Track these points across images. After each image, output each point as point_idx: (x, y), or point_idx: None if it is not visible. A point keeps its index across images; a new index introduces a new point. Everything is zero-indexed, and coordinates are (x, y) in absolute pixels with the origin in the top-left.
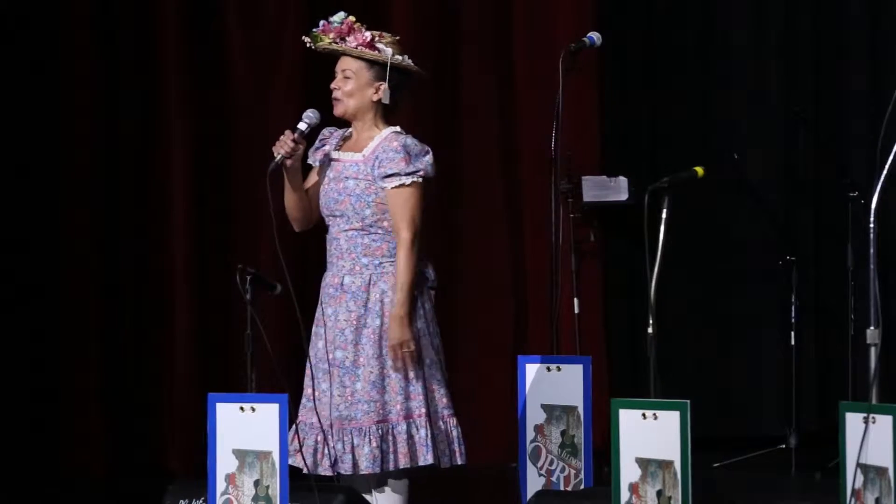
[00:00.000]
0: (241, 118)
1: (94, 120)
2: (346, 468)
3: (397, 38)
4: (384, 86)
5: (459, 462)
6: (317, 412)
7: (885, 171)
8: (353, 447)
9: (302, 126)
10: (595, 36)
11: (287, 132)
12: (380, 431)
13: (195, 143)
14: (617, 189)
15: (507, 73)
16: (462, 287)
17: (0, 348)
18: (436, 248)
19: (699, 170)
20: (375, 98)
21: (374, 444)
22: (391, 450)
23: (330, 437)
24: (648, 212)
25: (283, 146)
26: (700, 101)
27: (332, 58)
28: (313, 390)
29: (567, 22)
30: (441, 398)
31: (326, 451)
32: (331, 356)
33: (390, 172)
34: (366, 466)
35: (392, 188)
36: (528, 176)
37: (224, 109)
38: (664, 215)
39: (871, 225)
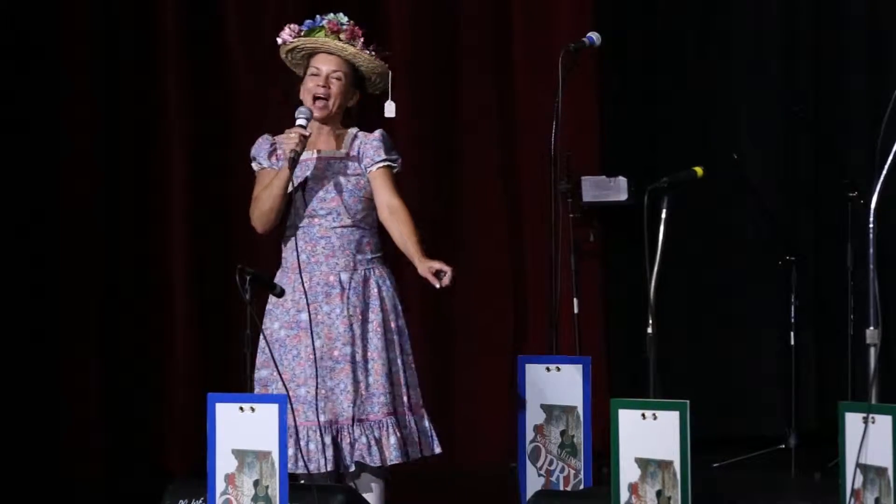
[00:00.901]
0: (240, 117)
1: (94, 119)
2: (374, 460)
3: (387, 53)
4: (359, 95)
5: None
6: (316, 410)
7: (884, 172)
8: (376, 440)
9: (303, 122)
10: (594, 36)
11: (296, 129)
12: (396, 422)
13: (195, 142)
14: (616, 189)
15: (507, 72)
16: (461, 287)
17: None
18: (435, 248)
19: (698, 170)
20: (351, 104)
21: (398, 435)
22: (410, 440)
23: (347, 432)
24: (648, 212)
25: (298, 143)
26: (699, 101)
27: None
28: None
29: (566, 22)
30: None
31: (344, 447)
32: (336, 353)
33: (378, 159)
34: (395, 456)
35: (378, 169)
36: (527, 176)
37: (223, 109)
38: (664, 215)
39: (871, 225)
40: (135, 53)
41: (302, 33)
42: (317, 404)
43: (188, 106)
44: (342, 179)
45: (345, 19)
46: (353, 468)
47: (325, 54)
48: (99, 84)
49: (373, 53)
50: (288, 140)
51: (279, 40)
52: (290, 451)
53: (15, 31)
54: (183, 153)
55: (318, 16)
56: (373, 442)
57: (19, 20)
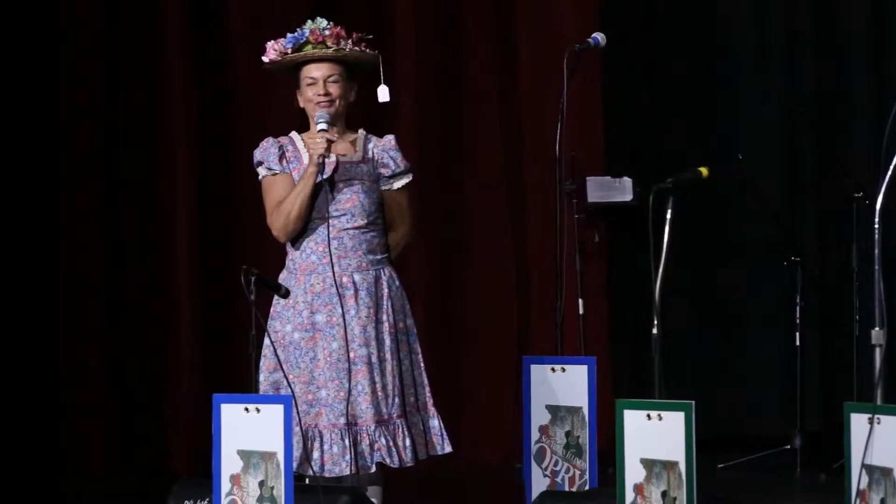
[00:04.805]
0: (244, 118)
1: (96, 120)
2: (394, 461)
3: (370, 36)
4: (355, 87)
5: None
6: (316, 412)
7: (889, 172)
8: (394, 440)
9: (324, 126)
10: (599, 36)
11: (322, 134)
12: (407, 423)
13: (198, 142)
14: (621, 190)
15: (511, 73)
16: (466, 288)
17: (2, 348)
18: (440, 249)
19: (703, 170)
20: (352, 99)
21: (410, 436)
22: (417, 441)
23: (366, 434)
24: (653, 212)
25: (326, 148)
26: (704, 102)
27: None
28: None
29: (571, 22)
30: (431, 388)
31: (362, 449)
32: (353, 354)
33: (397, 171)
34: (409, 458)
35: (399, 188)
36: (532, 177)
37: (227, 110)
38: (669, 216)
39: (876, 225)
40: (138, 53)
41: (289, 51)
42: (346, 407)
43: (192, 106)
44: (356, 182)
45: (324, 23)
46: (373, 469)
47: (316, 62)
48: (101, 85)
49: (363, 48)
50: (315, 146)
51: (266, 59)
52: (315, 455)
53: (17, 30)
54: (187, 153)
55: (298, 29)
56: (391, 443)
57: (22, 19)
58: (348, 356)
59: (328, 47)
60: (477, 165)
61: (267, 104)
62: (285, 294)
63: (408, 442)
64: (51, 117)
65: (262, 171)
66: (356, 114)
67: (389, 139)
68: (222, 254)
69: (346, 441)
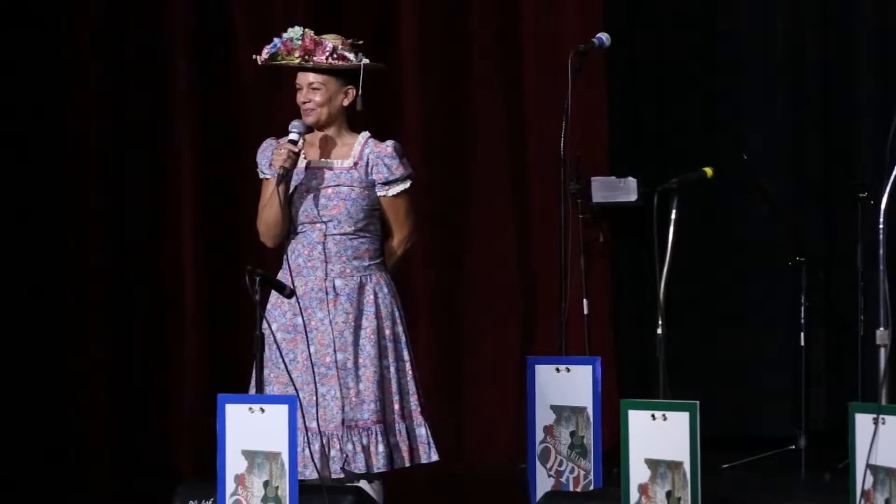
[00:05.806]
0: (247, 119)
1: (101, 120)
2: (359, 467)
3: (360, 41)
4: (353, 90)
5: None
6: (317, 417)
7: (894, 172)
8: (363, 447)
9: (294, 136)
10: (604, 37)
11: (286, 144)
12: (385, 430)
13: (202, 143)
14: (626, 190)
15: (516, 73)
16: (470, 288)
17: (5, 348)
18: (444, 249)
19: (708, 170)
20: (346, 103)
21: (385, 443)
22: (396, 448)
23: (336, 439)
24: (657, 212)
25: (287, 158)
26: (708, 102)
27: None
28: (316, 394)
29: (575, 23)
30: (421, 396)
31: (332, 454)
32: (328, 359)
33: (391, 179)
34: (382, 465)
35: (394, 195)
36: (536, 177)
37: (231, 111)
38: (673, 216)
39: (881, 226)
40: (142, 54)
41: (268, 59)
42: (316, 411)
43: (197, 107)
44: (345, 189)
45: (298, 33)
46: (340, 474)
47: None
48: (106, 85)
49: (336, 59)
50: (278, 156)
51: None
52: None
53: (21, 29)
54: (190, 153)
55: (275, 38)
56: (359, 449)
57: (25, 18)
58: (323, 361)
59: (299, 59)
60: (482, 166)
61: (271, 104)
62: (290, 294)
63: (381, 448)
64: (54, 118)
65: (258, 172)
66: (361, 114)
67: (387, 145)
68: (226, 254)
69: (314, 445)
